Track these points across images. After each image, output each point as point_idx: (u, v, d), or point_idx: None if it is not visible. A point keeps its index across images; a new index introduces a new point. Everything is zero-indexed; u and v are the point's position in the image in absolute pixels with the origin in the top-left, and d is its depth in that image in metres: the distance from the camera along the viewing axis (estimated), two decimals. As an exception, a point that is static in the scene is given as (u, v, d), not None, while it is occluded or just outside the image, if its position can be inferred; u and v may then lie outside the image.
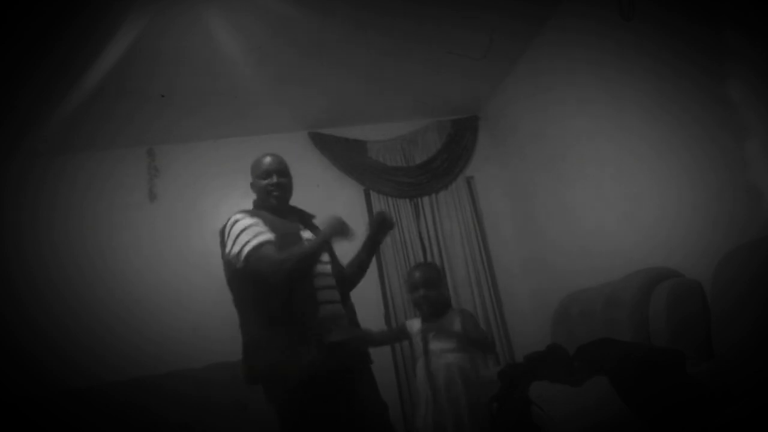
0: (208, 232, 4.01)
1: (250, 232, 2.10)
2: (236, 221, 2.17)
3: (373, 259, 4.13)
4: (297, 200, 2.52)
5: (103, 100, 3.37)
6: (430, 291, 2.42)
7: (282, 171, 2.36)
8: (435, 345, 2.42)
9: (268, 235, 2.10)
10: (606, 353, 2.09)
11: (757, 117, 2.13)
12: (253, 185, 2.39)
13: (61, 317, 3.63)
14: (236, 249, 2.09)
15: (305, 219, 2.42)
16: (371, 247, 2.42)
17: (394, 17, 3.13)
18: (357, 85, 3.88)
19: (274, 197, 2.31)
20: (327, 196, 4.10)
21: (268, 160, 2.37)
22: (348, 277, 2.37)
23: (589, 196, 3.33)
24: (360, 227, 4.34)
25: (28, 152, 3.81)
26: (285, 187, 2.36)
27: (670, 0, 2.44)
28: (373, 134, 4.44)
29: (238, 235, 2.11)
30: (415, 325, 2.61)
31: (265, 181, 2.33)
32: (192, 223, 4.05)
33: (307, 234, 2.30)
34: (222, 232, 2.23)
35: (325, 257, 2.26)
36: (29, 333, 3.55)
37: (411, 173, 4.36)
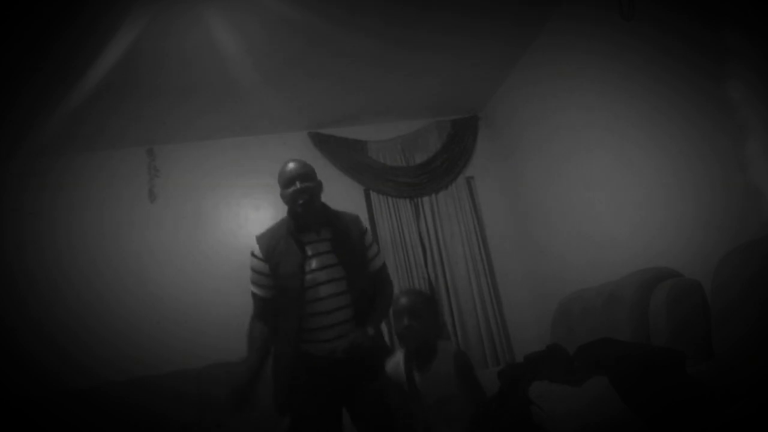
0: (209, 232, 4.07)
1: (252, 277, 2.34)
2: (251, 255, 2.33)
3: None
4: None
5: (103, 100, 3.36)
6: (415, 321, 2.05)
7: (305, 175, 2.31)
8: (431, 393, 2.03)
9: (260, 291, 2.32)
10: (606, 353, 2.09)
11: (756, 117, 2.13)
12: (281, 196, 2.34)
13: (62, 317, 3.64)
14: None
15: (330, 220, 2.36)
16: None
17: (394, 19, 3.13)
18: (357, 85, 3.88)
19: (299, 205, 2.27)
20: (327, 196, 4.10)
21: (290, 166, 2.32)
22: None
23: (589, 196, 3.33)
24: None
25: (29, 152, 3.81)
26: (310, 192, 2.29)
27: (671, 0, 2.44)
28: (373, 134, 4.45)
29: (251, 268, 2.34)
30: (398, 367, 2.13)
31: (290, 189, 2.29)
32: (193, 223, 4.06)
33: (309, 261, 2.27)
34: None
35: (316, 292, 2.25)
36: (30, 333, 3.55)
37: (411, 173, 4.36)
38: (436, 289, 4.20)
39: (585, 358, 2.15)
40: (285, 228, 2.32)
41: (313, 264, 2.25)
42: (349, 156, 4.37)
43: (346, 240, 2.32)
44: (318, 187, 2.35)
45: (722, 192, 2.31)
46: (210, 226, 4.08)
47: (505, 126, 4.35)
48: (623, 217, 3.01)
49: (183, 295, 3.82)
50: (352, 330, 2.18)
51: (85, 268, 3.80)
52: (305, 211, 2.27)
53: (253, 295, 2.33)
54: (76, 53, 2.89)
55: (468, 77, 4.04)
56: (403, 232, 4.28)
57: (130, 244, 3.93)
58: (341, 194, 4.24)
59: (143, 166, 4.11)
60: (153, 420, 3.26)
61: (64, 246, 3.81)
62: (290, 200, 2.30)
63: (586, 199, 3.36)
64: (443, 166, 4.42)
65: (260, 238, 2.33)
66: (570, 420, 1.88)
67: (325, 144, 4.37)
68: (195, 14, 2.80)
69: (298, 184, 2.27)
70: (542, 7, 3.28)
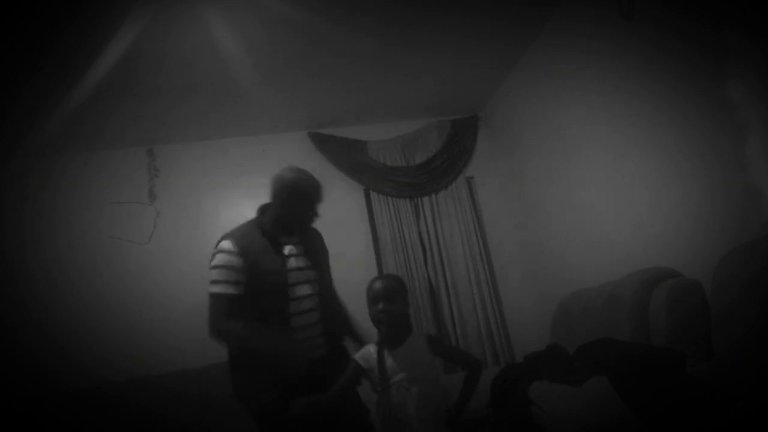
0: (209, 232, 4.06)
1: (219, 274, 2.17)
2: (217, 252, 2.22)
3: (373, 259, 4.21)
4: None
5: (103, 100, 3.36)
6: (392, 305, 2.04)
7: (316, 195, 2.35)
8: (401, 375, 2.01)
9: (230, 289, 2.15)
10: (606, 353, 2.09)
11: (756, 117, 2.13)
12: (283, 202, 2.28)
13: (62, 317, 3.64)
14: (210, 278, 2.19)
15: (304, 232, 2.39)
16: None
17: (394, 19, 3.13)
18: (357, 85, 3.88)
19: (295, 223, 2.32)
20: (327, 196, 4.10)
21: (303, 181, 2.31)
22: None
23: (589, 196, 3.33)
24: (360, 227, 4.39)
25: (29, 152, 3.81)
26: (303, 222, 2.35)
27: (670, 0, 2.44)
28: (373, 134, 4.45)
29: (212, 268, 2.20)
30: (369, 354, 2.10)
31: (296, 204, 2.29)
32: (193, 223, 4.05)
33: (288, 260, 2.28)
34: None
35: (301, 279, 2.26)
36: (30, 333, 3.55)
37: (411, 173, 4.36)
38: (436, 289, 4.20)
39: (585, 358, 2.15)
40: (257, 229, 2.30)
41: (292, 264, 2.27)
42: (349, 156, 4.37)
43: (313, 248, 2.40)
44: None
45: (722, 192, 2.31)
46: (210, 226, 4.07)
47: (505, 126, 4.35)
48: (623, 217, 3.01)
49: (183, 295, 3.80)
50: (319, 333, 2.24)
51: (85, 268, 3.80)
52: (297, 229, 2.33)
53: (216, 295, 2.16)
54: (76, 53, 2.89)
55: (468, 77, 4.04)
56: (403, 232, 4.28)
57: (130, 244, 3.93)
58: (341, 194, 4.25)
59: (143, 166, 4.11)
60: (153, 420, 3.26)
61: (64, 246, 3.81)
62: (288, 214, 2.28)
63: (586, 199, 3.36)
64: (443, 166, 4.41)
65: (231, 235, 2.25)
66: (570, 420, 1.88)
67: (325, 144, 4.37)
68: (195, 14, 2.80)
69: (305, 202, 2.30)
70: (542, 7, 3.28)
